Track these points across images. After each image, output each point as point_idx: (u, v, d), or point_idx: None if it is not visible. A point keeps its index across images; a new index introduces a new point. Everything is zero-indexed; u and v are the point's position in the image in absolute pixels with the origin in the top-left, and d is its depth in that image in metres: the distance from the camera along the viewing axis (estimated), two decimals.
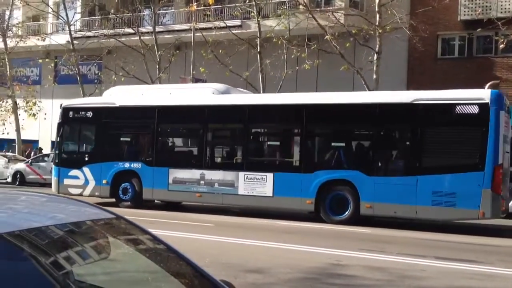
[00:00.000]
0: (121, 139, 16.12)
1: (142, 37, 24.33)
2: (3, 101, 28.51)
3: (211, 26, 23.60)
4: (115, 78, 25.37)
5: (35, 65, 30.93)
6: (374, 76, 20.13)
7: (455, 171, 11.77)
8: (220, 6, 24.92)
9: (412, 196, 11.97)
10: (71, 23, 26.00)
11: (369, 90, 20.18)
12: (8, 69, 26.28)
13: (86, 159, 15.77)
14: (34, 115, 28.08)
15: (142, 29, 25.30)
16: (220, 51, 22.23)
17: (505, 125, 11.80)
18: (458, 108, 11.96)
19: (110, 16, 27.46)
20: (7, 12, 27.47)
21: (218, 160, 15.15)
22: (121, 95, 15.95)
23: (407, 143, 13.03)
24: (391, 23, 19.84)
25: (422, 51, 21.03)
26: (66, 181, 15.81)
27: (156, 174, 14.83)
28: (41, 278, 2.15)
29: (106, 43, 25.92)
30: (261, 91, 21.58)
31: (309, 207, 13.26)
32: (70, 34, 25.48)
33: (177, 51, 25.49)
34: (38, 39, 27.27)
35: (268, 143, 15.54)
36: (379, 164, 12.92)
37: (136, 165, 15.10)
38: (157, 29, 24.54)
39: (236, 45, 22.15)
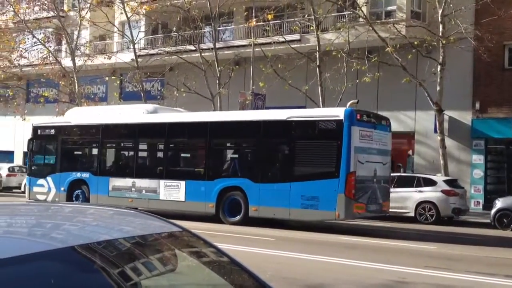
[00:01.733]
0: (75, 152, 18.90)
1: (202, 54, 24.79)
2: None
3: (270, 41, 23.76)
4: (177, 94, 25.98)
5: (102, 83, 32.14)
6: (438, 88, 19.61)
7: (318, 178, 13.62)
8: (279, 21, 25.07)
9: (286, 200, 13.86)
10: (136, 41, 26.86)
11: (433, 102, 19.67)
12: (76, 87, 27.39)
13: (49, 170, 18.48)
14: None
15: (203, 46, 25.80)
16: (279, 65, 22.33)
17: (361, 138, 13.48)
18: (320, 124, 13.99)
19: (172, 34, 28.20)
20: (76, 32, 28.71)
21: (145, 170, 17.18)
22: (77, 115, 18.87)
23: (283, 154, 14.95)
24: (455, 34, 19.30)
25: (488, 62, 20.28)
26: (35, 189, 18.55)
27: (100, 183, 17.27)
28: None
29: (168, 60, 26.60)
30: (321, 105, 21.45)
31: (212, 210, 15.10)
32: (135, 52, 26.32)
33: (237, 66, 25.80)
34: (105, 58, 28.35)
35: (182, 154, 17.67)
36: (262, 172, 14.69)
37: (85, 175, 17.63)
38: (217, 45, 24.95)
39: (295, 59, 22.18)
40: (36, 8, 27.84)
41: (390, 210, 15.77)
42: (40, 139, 19.12)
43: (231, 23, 27.62)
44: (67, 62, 28.70)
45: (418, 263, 9.34)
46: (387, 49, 19.61)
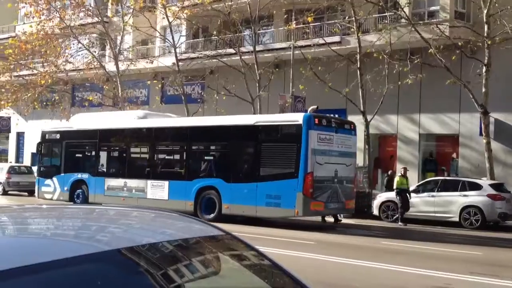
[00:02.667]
0: (76, 155, 20.18)
1: (242, 57, 24.90)
2: None
3: (310, 43, 23.66)
4: (217, 97, 26.16)
5: (144, 87, 32.69)
6: (483, 90, 19.08)
7: (280, 178, 14.66)
8: (319, 23, 24.94)
9: (253, 198, 14.90)
10: (177, 45, 27.21)
11: (478, 104, 19.18)
12: (119, 91, 27.92)
13: (55, 171, 19.96)
14: None
15: (243, 49, 25.91)
16: (319, 68, 22.20)
17: (319, 141, 14.50)
18: (282, 128, 15.20)
19: (213, 37, 28.44)
20: (119, 37, 29.28)
21: (135, 171, 18.24)
22: (79, 120, 20.57)
23: (251, 156, 15.95)
24: (500, 34, 18.75)
25: None
26: (43, 189, 20.18)
27: (97, 183, 18.75)
28: None
29: (208, 64, 26.84)
30: (361, 107, 21.21)
31: (191, 208, 15.87)
32: (176, 56, 26.65)
33: (277, 69, 25.79)
34: (147, 62, 28.81)
35: (166, 157, 18.71)
36: (233, 173, 15.81)
37: (85, 176, 19.14)
38: (257, 48, 25.01)
39: (336, 62, 22.00)
40: (81, 14, 28.53)
41: (434, 214, 15.52)
42: (47, 143, 20.59)
43: (271, 26, 27.65)
44: (110, 66, 29.32)
45: (463, 269, 9.10)
46: (430, 50, 19.22)
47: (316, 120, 14.69)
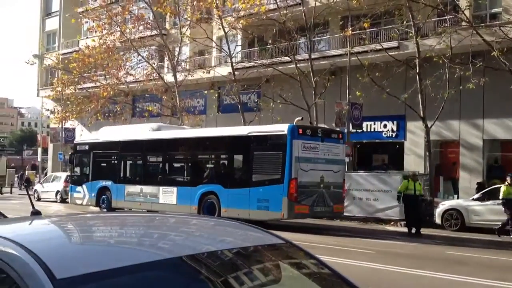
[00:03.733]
0: (102, 164, 21.83)
1: (298, 65, 24.87)
2: None
3: (366, 49, 23.36)
4: (273, 105, 26.21)
5: (201, 96, 33.25)
6: None
7: (269, 184, 15.88)
8: (375, 28, 24.60)
9: (246, 203, 16.16)
10: (233, 55, 27.53)
11: None
12: (177, 101, 28.51)
13: (84, 179, 21.86)
14: None
15: (298, 57, 25.88)
16: (377, 74, 21.86)
17: (303, 149, 15.64)
18: (270, 138, 16.42)
19: (268, 46, 28.59)
20: (177, 49, 29.94)
21: (149, 178, 19.81)
22: (105, 133, 22.57)
23: (245, 163, 17.12)
24: None
25: None
26: (75, 195, 22.27)
27: (118, 189, 20.49)
28: None
29: (264, 72, 26.98)
30: (421, 113, 20.70)
31: (195, 212, 17.31)
32: (232, 66, 26.96)
33: (333, 76, 25.59)
34: (204, 72, 29.29)
35: (175, 165, 20.08)
36: (230, 179, 17.11)
37: (108, 183, 20.90)
38: (313, 55, 24.92)
39: (393, 67, 21.60)
40: (141, 28, 29.39)
41: (498, 222, 14.85)
42: (78, 153, 22.69)
43: (326, 33, 27.51)
44: (169, 77, 30.01)
45: None
46: (493, 53, 18.52)
47: (300, 130, 15.98)
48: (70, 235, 2.70)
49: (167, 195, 18.75)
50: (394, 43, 23.34)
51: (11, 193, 36.28)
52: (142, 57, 29.76)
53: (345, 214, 19.78)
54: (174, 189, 18.59)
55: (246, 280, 2.45)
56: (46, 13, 45.11)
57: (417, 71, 20.78)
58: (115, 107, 32.09)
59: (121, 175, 20.98)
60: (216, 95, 31.67)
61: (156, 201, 18.97)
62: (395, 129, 25.20)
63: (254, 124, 27.90)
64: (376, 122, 25.59)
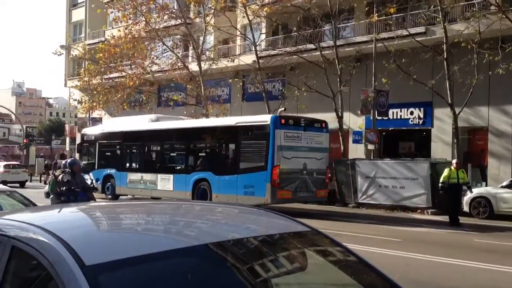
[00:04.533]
0: (106, 153, 23.21)
1: (323, 52, 24.66)
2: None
3: (393, 35, 23.01)
4: (298, 93, 26.09)
5: (225, 85, 33.29)
6: None
7: (254, 171, 16.88)
8: (402, 14, 24.21)
9: (234, 188, 17.22)
10: (257, 43, 27.45)
11: None
12: (202, 90, 28.58)
13: (91, 167, 22.27)
14: None
15: (323, 44, 25.66)
16: (403, 60, 21.55)
17: (285, 138, 16.63)
18: (256, 128, 17.40)
19: (293, 34, 28.41)
20: (201, 38, 29.96)
21: (148, 166, 21.05)
22: (110, 123, 24.66)
23: (233, 152, 18.16)
24: None
25: None
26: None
27: (122, 177, 21.85)
28: (242, 286, 2.24)
29: (289, 60, 26.85)
30: (449, 100, 20.37)
31: (189, 198, 18.51)
32: (256, 54, 26.89)
33: (358, 63, 25.32)
34: (228, 61, 29.28)
35: (171, 154, 21.21)
36: (220, 167, 18.16)
37: (112, 171, 22.29)
38: (338, 42, 24.67)
39: (420, 53, 21.25)
40: (166, 17, 29.48)
41: None
42: (86, 143, 24.31)
43: (351, 20, 27.19)
44: (193, 66, 30.09)
45: None
46: None
47: (283, 121, 16.88)
48: (98, 222, 2.74)
49: (165, 182, 20.01)
50: (421, 29, 22.95)
51: (40, 181, 36.99)
52: (167, 46, 29.87)
53: (370, 202, 19.70)
54: (171, 176, 19.83)
55: (272, 268, 2.45)
56: (73, 4, 45.63)
57: (445, 56, 20.41)
58: (141, 97, 32.35)
59: (124, 164, 22.28)
60: (241, 84, 31.66)
61: (155, 188, 20.28)
62: (422, 116, 24.86)
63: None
64: (403, 109, 25.28)
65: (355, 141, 25.32)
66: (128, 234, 2.50)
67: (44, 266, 2.02)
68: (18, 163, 36.99)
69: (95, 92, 31.39)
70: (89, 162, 23.34)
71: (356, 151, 25.06)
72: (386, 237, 12.20)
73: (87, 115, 37.97)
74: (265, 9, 26.48)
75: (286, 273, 2.50)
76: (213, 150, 19.43)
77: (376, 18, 22.58)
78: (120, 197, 22.36)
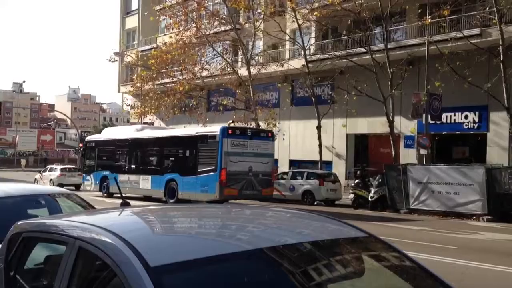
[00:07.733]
0: (103, 157, 27.11)
1: (373, 55, 24.35)
2: (248, 124, 31.25)
3: (446, 37, 22.47)
4: (347, 97, 25.83)
5: (274, 89, 33.33)
6: None
7: (208, 172, 20.06)
8: (456, 16, 23.61)
9: (194, 187, 20.55)
10: (306, 47, 27.35)
11: None
12: (251, 94, 28.72)
13: (91, 169, 27.25)
14: None
15: (374, 47, 25.33)
16: (457, 63, 20.99)
17: (232, 146, 19.76)
18: (209, 137, 20.53)
19: (342, 37, 28.18)
20: (251, 43, 30.14)
21: (133, 169, 24.69)
22: (107, 132, 29.39)
23: (193, 157, 21.19)
24: None
25: None
26: (85, 183, 27.91)
27: (113, 178, 24.24)
28: None
29: (338, 64, 26.64)
30: (505, 103, 19.69)
31: (162, 195, 22.36)
32: (305, 58, 26.81)
33: (410, 67, 24.84)
34: (277, 65, 29.32)
35: (150, 158, 24.39)
36: (184, 169, 21.43)
37: (107, 173, 25.91)
38: (389, 45, 24.29)
39: (475, 55, 20.66)
40: (216, 23, 29.83)
41: None
42: (87, 149, 28.39)
43: (403, 22, 26.74)
44: (243, 71, 30.29)
45: None
46: None
47: (230, 131, 20.08)
48: (157, 225, 2.80)
49: (145, 182, 23.63)
50: (476, 31, 22.32)
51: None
52: (217, 51, 30.19)
53: (423, 208, 19.25)
54: (149, 177, 23.41)
55: (327, 273, 2.43)
56: (126, 11, 46.88)
57: (501, 59, 19.78)
58: (191, 102, 32.82)
59: (115, 167, 25.77)
60: (290, 88, 31.64)
61: (138, 187, 23.97)
62: (477, 120, 24.15)
63: (328, 117, 27.69)
64: (457, 113, 24.65)
65: (406, 146, 24.84)
66: (186, 237, 2.54)
67: (109, 266, 2.10)
68: (73, 166, 38.16)
69: (147, 97, 32.06)
70: (89, 165, 27.90)
71: (408, 156, 24.58)
72: (441, 244, 11.88)
73: (139, 120, 38.84)
74: (314, 13, 26.38)
75: (343, 278, 2.47)
76: (179, 155, 22.54)
77: (429, 20, 22.13)
78: (114, 195, 25.81)
